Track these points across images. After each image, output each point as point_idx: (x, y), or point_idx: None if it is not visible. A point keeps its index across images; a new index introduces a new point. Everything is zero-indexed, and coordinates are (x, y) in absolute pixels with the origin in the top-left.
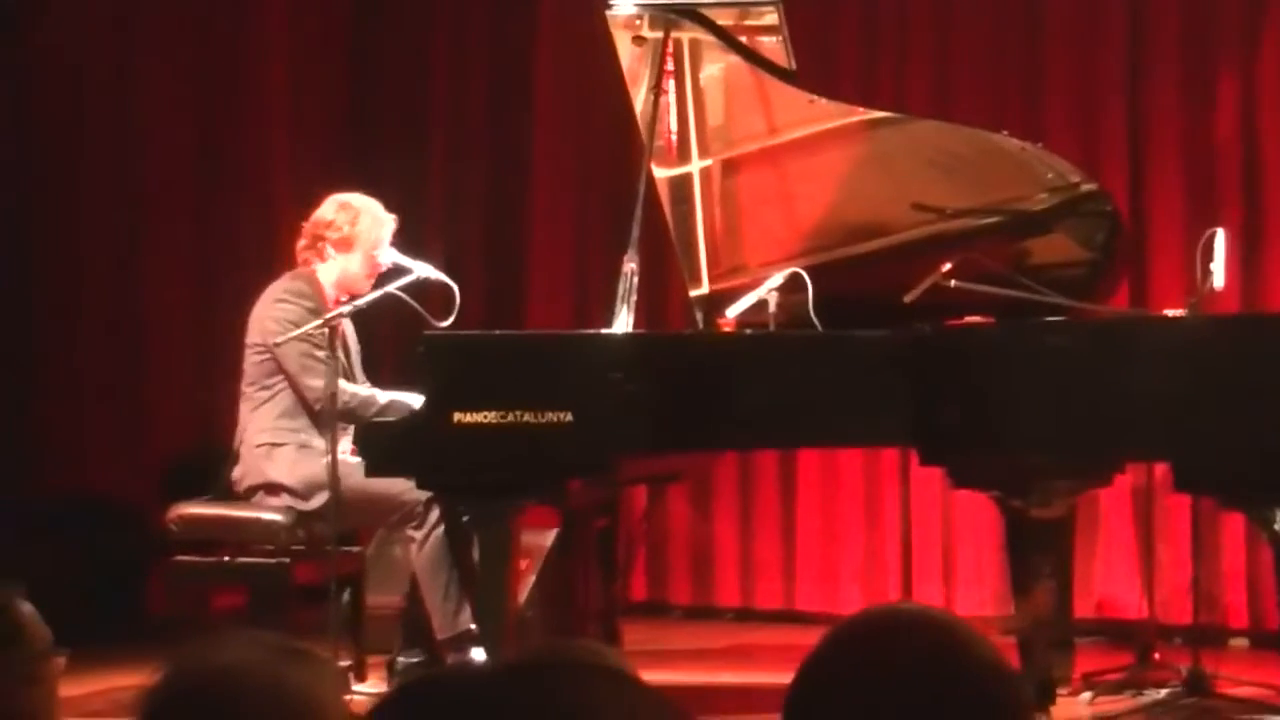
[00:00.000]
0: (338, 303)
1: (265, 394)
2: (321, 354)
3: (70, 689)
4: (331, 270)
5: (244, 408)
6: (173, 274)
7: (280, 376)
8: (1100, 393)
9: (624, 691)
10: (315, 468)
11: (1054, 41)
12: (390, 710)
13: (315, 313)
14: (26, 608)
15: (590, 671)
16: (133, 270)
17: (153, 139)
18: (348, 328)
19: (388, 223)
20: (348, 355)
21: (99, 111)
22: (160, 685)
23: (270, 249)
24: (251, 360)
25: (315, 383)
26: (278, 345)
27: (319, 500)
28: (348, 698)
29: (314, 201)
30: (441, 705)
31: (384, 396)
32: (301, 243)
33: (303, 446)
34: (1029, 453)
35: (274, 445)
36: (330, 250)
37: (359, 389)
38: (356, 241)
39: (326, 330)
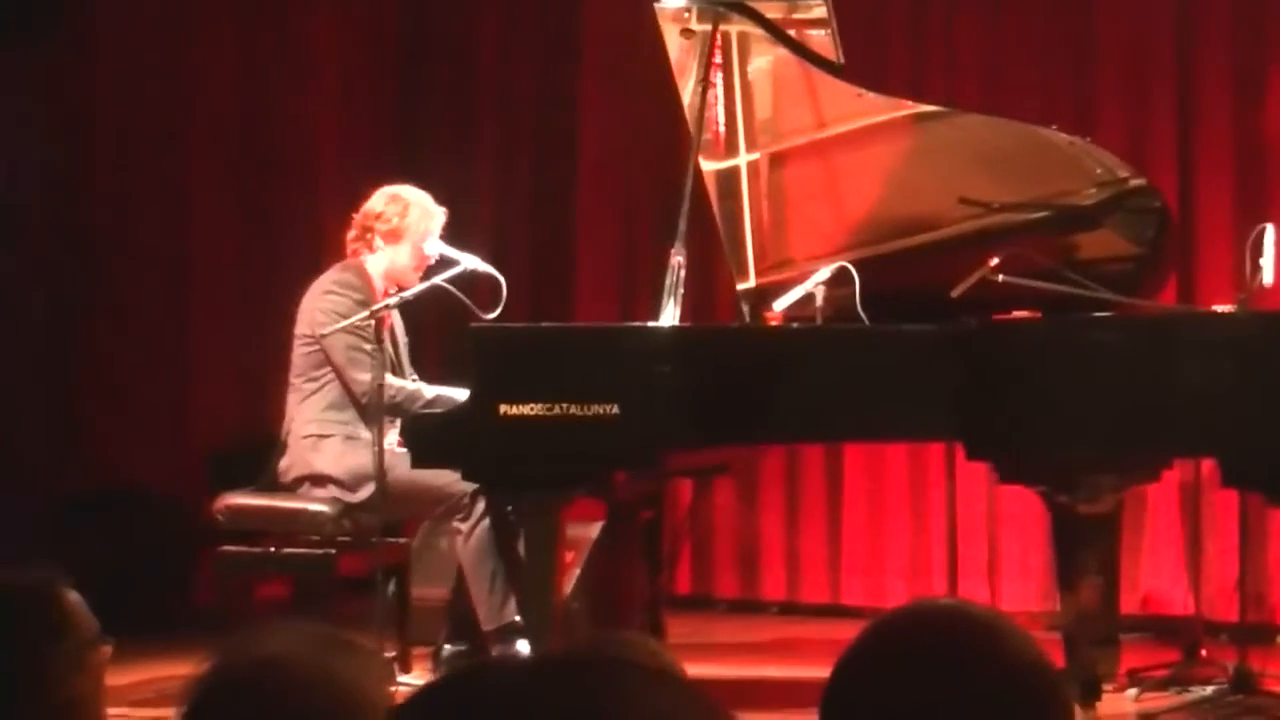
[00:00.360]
0: (386, 294)
1: (313, 385)
2: (368, 346)
3: (117, 679)
4: (380, 262)
5: (292, 399)
6: (219, 267)
7: (328, 368)
8: (1148, 388)
9: (666, 690)
10: (362, 459)
11: (1103, 36)
12: (431, 699)
13: (363, 304)
14: (73, 597)
15: (632, 669)
16: (179, 263)
17: (200, 132)
18: (396, 320)
19: (437, 215)
20: (395, 348)
21: (147, 106)
22: (206, 675)
23: (316, 243)
24: (299, 351)
25: (362, 375)
26: (324, 336)
27: (365, 492)
28: (392, 689)
29: (361, 196)
30: (481, 697)
31: (430, 391)
32: (351, 234)
33: (349, 438)
34: (1076, 448)
35: (320, 437)
36: (379, 242)
37: (405, 383)
38: (405, 234)
39: (373, 322)
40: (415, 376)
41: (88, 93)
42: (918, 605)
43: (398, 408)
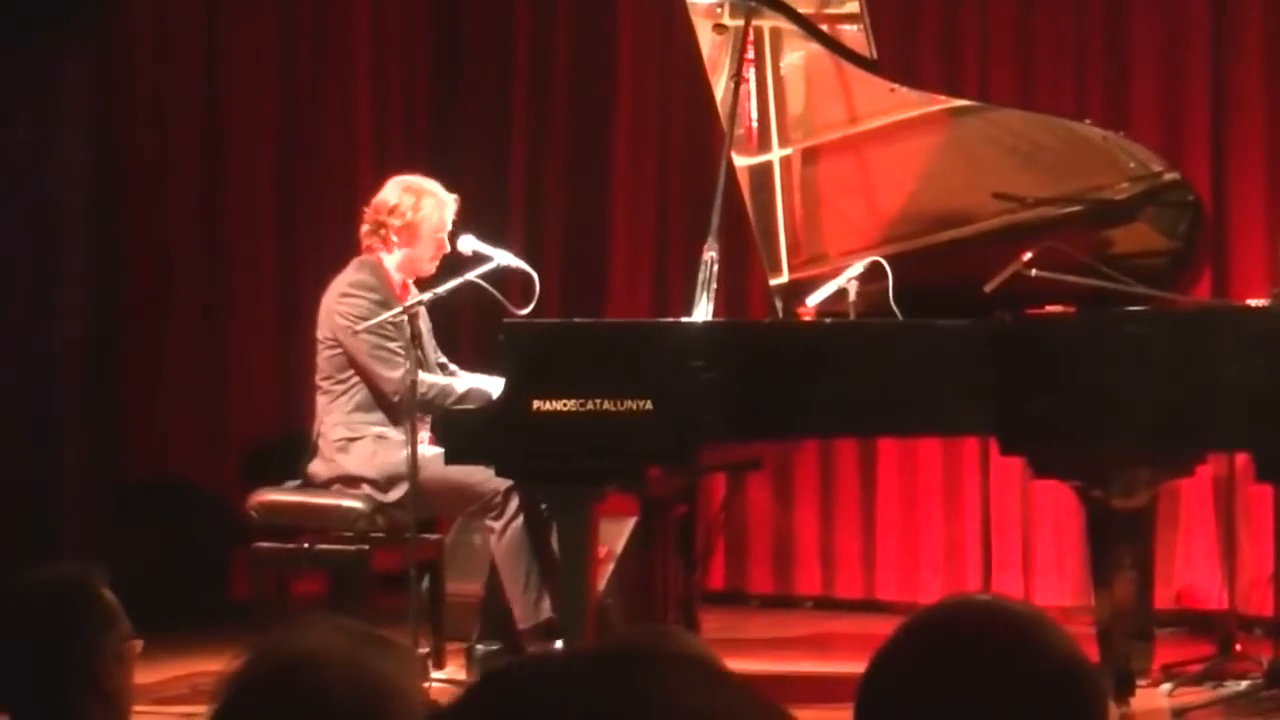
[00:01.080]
0: (404, 287)
1: (340, 388)
2: (395, 344)
3: (152, 675)
4: (396, 256)
5: (320, 401)
6: (256, 264)
7: (352, 370)
8: (1182, 382)
9: (717, 684)
10: (394, 459)
11: (1137, 29)
12: (479, 695)
13: (383, 304)
14: (108, 592)
15: (684, 663)
16: (217, 261)
17: (237, 129)
18: (422, 314)
19: (450, 203)
20: (420, 344)
21: (184, 102)
22: (239, 671)
23: (352, 239)
24: (323, 355)
25: (392, 373)
26: (350, 337)
27: (398, 492)
28: (426, 685)
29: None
30: (531, 692)
31: (461, 384)
32: (364, 228)
33: (379, 438)
34: (1111, 442)
35: (350, 440)
36: (394, 238)
37: (437, 378)
38: (420, 227)
39: (405, 318)
40: (437, 371)
41: (125, 83)
42: (952, 601)
43: (430, 404)
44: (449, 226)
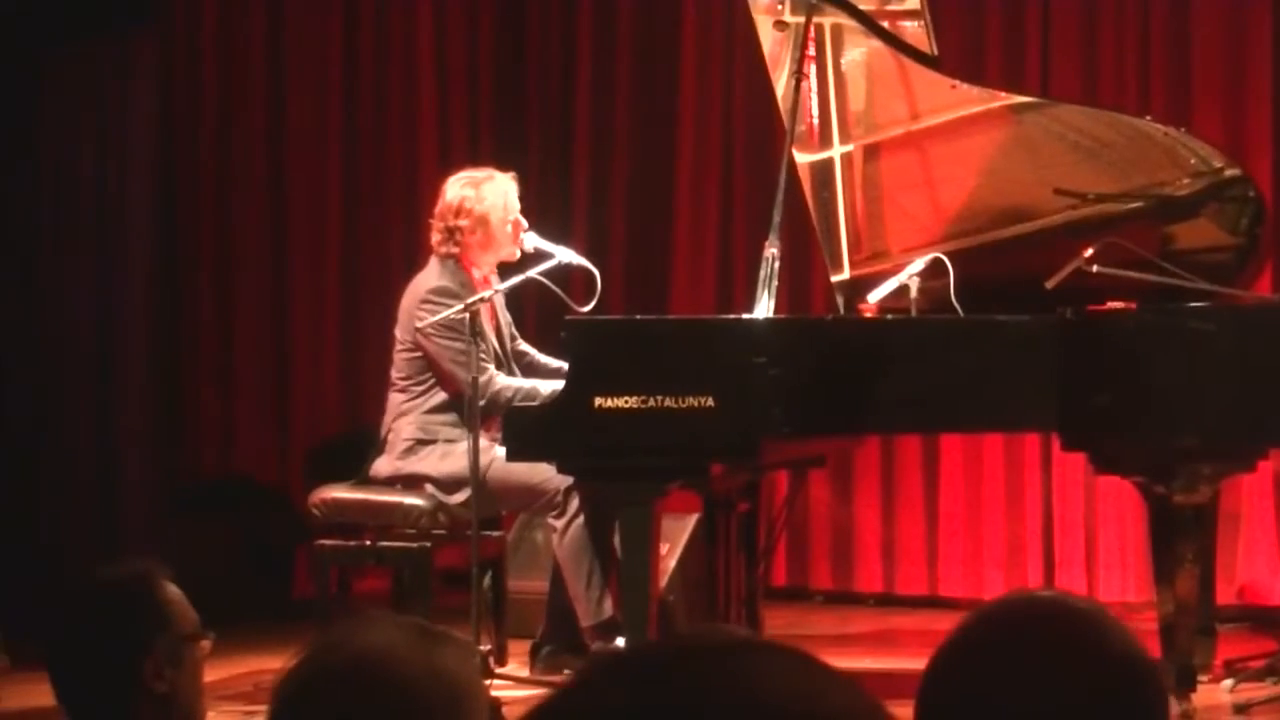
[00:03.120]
0: (485, 281)
1: (418, 389)
2: (464, 344)
3: (217, 672)
4: (476, 253)
5: (394, 398)
6: (321, 263)
7: (430, 373)
8: (1245, 378)
9: (816, 671)
10: (461, 464)
11: (1200, 25)
12: (582, 683)
13: (466, 311)
14: (173, 590)
15: (775, 649)
16: (282, 259)
17: (301, 129)
18: (500, 308)
19: (510, 183)
20: (500, 340)
21: (249, 104)
22: (299, 667)
23: (415, 239)
24: (401, 356)
25: (467, 376)
26: (424, 339)
27: (462, 495)
28: (487, 682)
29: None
30: (635, 679)
31: (546, 386)
32: (435, 237)
33: (449, 442)
34: (1173, 438)
35: (421, 442)
36: (469, 238)
37: (522, 382)
38: (490, 216)
39: (467, 317)
40: (525, 348)
41: (194, 84)
42: (1015, 596)
43: (508, 405)
44: (518, 204)
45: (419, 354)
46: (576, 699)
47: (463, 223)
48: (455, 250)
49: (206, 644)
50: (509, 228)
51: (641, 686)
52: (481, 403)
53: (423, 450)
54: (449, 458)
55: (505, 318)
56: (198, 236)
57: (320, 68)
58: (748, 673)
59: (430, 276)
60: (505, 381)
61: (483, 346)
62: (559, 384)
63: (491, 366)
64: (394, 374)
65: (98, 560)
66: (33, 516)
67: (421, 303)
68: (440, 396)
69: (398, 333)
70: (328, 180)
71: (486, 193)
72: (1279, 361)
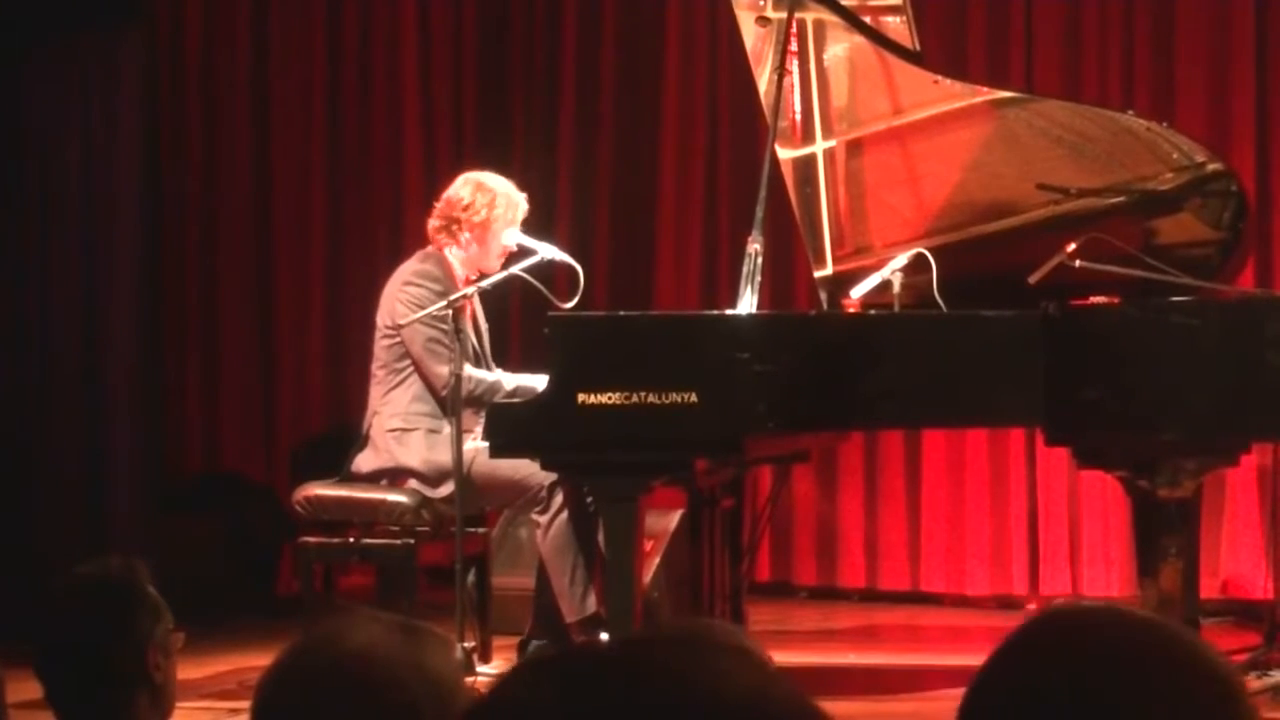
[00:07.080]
0: (466, 282)
1: (396, 378)
2: (447, 339)
3: (200, 670)
4: (464, 252)
5: (374, 390)
6: (305, 262)
7: (408, 361)
8: (1228, 372)
9: (751, 669)
10: (444, 455)
11: (1183, 20)
12: (514, 681)
13: (444, 296)
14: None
15: (718, 648)
16: (266, 259)
17: (285, 125)
18: (478, 308)
19: (521, 204)
20: (479, 337)
21: (233, 100)
22: (280, 665)
23: (400, 234)
24: (381, 343)
25: (441, 368)
26: (403, 327)
27: (446, 489)
28: (471, 679)
29: (442, 183)
30: (566, 677)
31: (511, 381)
32: (434, 223)
33: (432, 432)
34: (1156, 431)
35: (405, 430)
36: (465, 235)
37: (486, 374)
38: (493, 225)
39: (451, 312)
40: (496, 367)
41: (180, 83)
42: (1062, 611)
43: (478, 400)
44: (519, 232)
45: (398, 340)
46: (508, 698)
47: (466, 218)
48: (446, 242)
49: (179, 638)
50: (500, 248)
51: (572, 686)
52: (444, 393)
53: (407, 439)
54: (433, 449)
55: (484, 324)
56: (183, 235)
57: (305, 65)
58: (681, 672)
59: (412, 263)
60: (470, 372)
61: (460, 341)
62: (527, 377)
63: (468, 365)
64: (374, 366)
65: (83, 558)
66: (19, 515)
67: (405, 284)
68: (418, 386)
69: (378, 319)
70: (312, 178)
71: (499, 204)
72: (1261, 356)
